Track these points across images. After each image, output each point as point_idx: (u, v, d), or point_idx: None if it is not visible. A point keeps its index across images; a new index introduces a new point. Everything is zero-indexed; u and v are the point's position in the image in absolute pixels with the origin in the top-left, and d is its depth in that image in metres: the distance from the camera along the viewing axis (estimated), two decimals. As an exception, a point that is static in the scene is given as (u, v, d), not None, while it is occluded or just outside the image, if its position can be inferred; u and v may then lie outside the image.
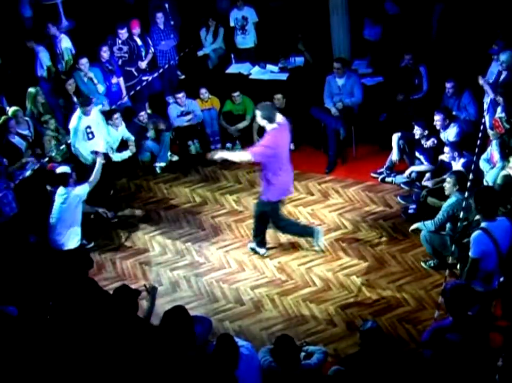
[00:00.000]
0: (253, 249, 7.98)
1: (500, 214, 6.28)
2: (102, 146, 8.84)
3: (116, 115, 9.15)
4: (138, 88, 10.46)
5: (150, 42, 10.84)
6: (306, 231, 7.89)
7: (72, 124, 8.64)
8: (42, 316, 6.26)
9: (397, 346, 5.61)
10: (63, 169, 7.88)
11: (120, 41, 10.40)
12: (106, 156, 8.71)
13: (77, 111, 8.66)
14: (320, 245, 7.83)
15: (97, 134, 8.70)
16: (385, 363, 5.07)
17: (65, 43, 10.42)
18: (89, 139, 8.68)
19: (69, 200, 7.52)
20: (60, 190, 7.60)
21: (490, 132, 7.47)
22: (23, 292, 6.72)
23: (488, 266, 5.65)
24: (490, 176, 7.11)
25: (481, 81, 8.23)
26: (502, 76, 8.24)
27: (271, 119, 7.15)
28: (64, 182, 7.63)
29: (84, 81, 9.70)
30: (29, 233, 8.00)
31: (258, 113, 7.24)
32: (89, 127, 8.64)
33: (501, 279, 5.87)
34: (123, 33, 10.35)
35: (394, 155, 8.81)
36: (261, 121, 7.23)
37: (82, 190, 7.60)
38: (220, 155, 7.54)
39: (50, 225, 7.60)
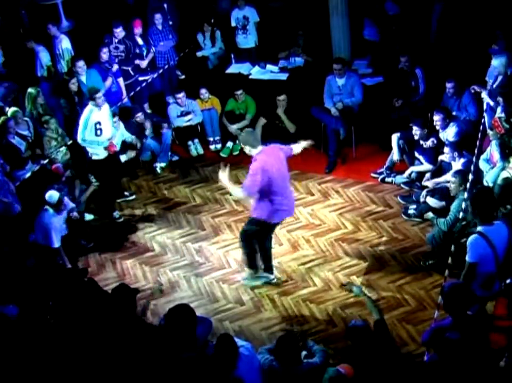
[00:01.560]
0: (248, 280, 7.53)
1: (500, 214, 6.29)
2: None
3: (115, 119, 9.11)
4: (138, 88, 10.46)
5: (152, 41, 10.84)
6: (253, 265, 7.40)
7: (83, 117, 8.46)
8: (42, 316, 6.26)
9: (394, 347, 5.58)
10: (51, 197, 7.69)
11: (116, 40, 10.41)
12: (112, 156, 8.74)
13: (89, 105, 8.48)
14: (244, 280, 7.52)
15: (105, 132, 8.54)
16: (379, 363, 5.06)
17: (65, 43, 10.44)
18: (97, 135, 8.50)
19: (43, 219, 7.66)
20: (49, 210, 7.71)
21: (490, 132, 7.48)
22: (23, 292, 6.72)
23: (485, 271, 5.63)
24: (490, 177, 7.10)
25: (478, 90, 8.28)
26: (498, 80, 8.25)
27: (253, 145, 6.81)
28: (52, 207, 7.70)
29: (84, 82, 9.69)
30: (29, 232, 8.00)
31: (240, 142, 7.03)
32: (99, 123, 8.46)
33: (508, 281, 5.86)
34: (119, 32, 10.36)
35: (395, 155, 8.81)
36: (245, 147, 6.90)
37: (54, 220, 7.68)
38: (223, 181, 6.96)
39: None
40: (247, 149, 6.89)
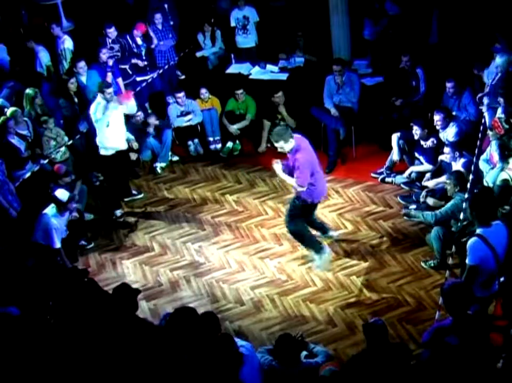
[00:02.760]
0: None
1: (499, 215, 6.28)
2: (121, 142, 8.65)
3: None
4: (138, 88, 10.46)
5: (153, 37, 10.84)
6: (315, 245, 7.65)
7: (91, 110, 8.41)
8: (42, 316, 6.26)
9: (403, 348, 5.57)
10: (62, 195, 7.75)
11: (110, 40, 10.40)
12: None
13: (98, 98, 8.41)
14: (318, 267, 7.63)
15: (112, 125, 8.44)
16: (388, 364, 5.05)
17: (68, 43, 10.45)
18: (106, 125, 8.44)
19: (44, 218, 7.68)
20: (51, 210, 7.72)
21: (489, 132, 7.47)
22: (23, 292, 6.71)
23: (486, 272, 5.63)
24: (490, 177, 7.09)
25: (483, 109, 8.27)
26: (497, 78, 8.25)
27: (290, 138, 7.01)
28: (58, 206, 7.71)
29: (84, 82, 9.68)
30: (29, 233, 8.00)
31: (278, 143, 7.04)
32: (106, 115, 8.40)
33: (502, 279, 5.86)
34: (112, 32, 10.36)
35: (395, 155, 8.81)
36: (284, 145, 7.03)
37: (55, 221, 7.69)
38: (278, 173, 7.29)
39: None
40: (287, 146, 7.03)
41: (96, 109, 8.37)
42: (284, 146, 7.04)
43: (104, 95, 8.34)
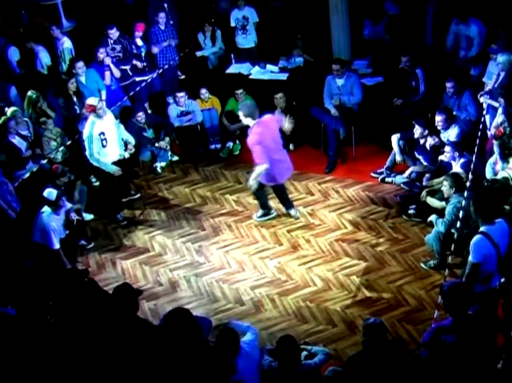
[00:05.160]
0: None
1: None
2: (116, 153, 8.56)
3: (117, 120, 9.04)
4: (138, 88, 10.46)
5: (153, 40, 10.83)
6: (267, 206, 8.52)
7: (86, 133, 8.25)
8: (42, 316, 6.26)
9: (400, 346, 5.57)
10: (50, 194, 7.68)
11: (111, 41, 10.39)
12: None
13: (90, 117, 8.28)
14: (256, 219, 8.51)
15: (109, 140, 8.38)
16: (387, 362, 5.06)
17: (67, 45, 10.44)
18: (103, 146, 8.32)
19: (41, 219, 7.65)
20: (46, 210, 7.71)
21: (494, 142, 7.38)
22: (23, 292, 6.72)
23: (488, 269, 5.63)
24: (490, 177, 7.08)
25: (482, 99, 8.23)
26: (500, 78, 8.23)
27: (254, 117, 7.66)
28: (50, 205, 7.70)
29: (83, 82, 9.68)
30: (29, 233, 8.00)
31: (240, 113, 7.77)
32: (102, 133, 8.26)
33: (502, 280, 5.85)
34: (113, 33, 10.33)
35: (397, 156, 8.77)
36: (244, 119, 7.72)
37: (52, 221, 7.66)
38: (251, 181, 7.85)
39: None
40: (247, 120, 7.69)
41: (90, 130, 8.20)
42: (250, 122, 7.70)
43: (97, 113, 8.21)
